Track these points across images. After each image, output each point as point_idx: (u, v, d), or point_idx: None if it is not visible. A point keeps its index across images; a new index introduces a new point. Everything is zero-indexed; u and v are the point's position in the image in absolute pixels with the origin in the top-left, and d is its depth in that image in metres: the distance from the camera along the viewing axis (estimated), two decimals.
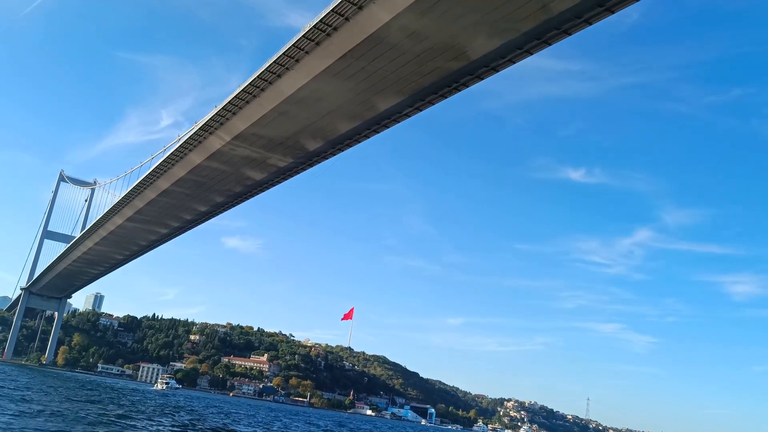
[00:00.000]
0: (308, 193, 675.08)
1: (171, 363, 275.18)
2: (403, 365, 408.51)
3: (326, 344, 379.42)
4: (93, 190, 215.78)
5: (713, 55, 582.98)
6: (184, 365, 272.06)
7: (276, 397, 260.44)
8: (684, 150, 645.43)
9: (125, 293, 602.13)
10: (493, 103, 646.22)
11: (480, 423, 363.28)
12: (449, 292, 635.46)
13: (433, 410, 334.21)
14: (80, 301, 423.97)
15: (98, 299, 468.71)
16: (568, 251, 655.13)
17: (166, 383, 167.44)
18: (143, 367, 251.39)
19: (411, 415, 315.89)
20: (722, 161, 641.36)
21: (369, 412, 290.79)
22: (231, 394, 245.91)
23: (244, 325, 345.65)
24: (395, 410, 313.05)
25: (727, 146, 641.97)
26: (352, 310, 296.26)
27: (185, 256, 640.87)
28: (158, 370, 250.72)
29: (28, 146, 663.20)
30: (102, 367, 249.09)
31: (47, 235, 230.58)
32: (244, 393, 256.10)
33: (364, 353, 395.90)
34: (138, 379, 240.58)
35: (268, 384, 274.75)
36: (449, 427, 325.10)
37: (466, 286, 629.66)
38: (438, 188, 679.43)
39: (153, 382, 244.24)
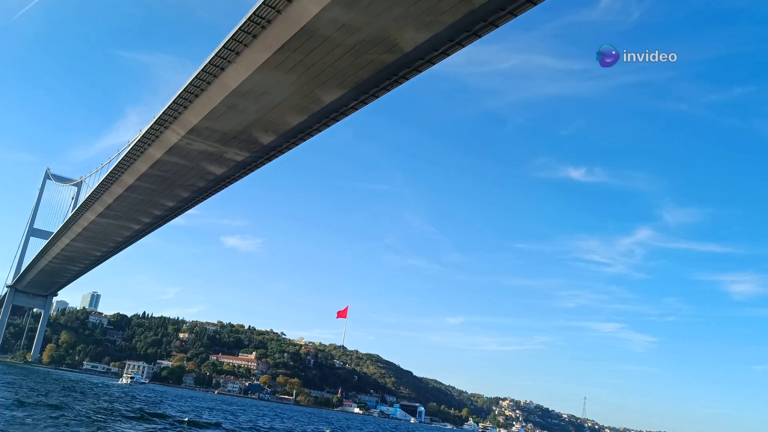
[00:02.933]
0: (308, 193, 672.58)
1: (158, 361, 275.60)
2: (396, 364, 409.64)
3: (319, 343, 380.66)
4: (79, 188, 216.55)
5: (714, 53, 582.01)
6: (171, 363, 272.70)
7: (261, 395, 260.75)
8: (685, 149, 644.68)
9: (125, 293, 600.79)
10: (495, 102, 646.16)
11: (471, 421, 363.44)
12: (449, 291, 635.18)
13: (422, 408, 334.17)
14: (77, 299, 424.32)
15: (94, 298, 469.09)
16: (569, 250, 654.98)
17: (131, 378, 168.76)
18: (129, 364, 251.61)
19: (400, 413, 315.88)
20: (723, 160, 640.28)
21: (356, 410, 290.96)
22: (216, 392, 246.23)
23: (236, 323, 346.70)
24: (384, 408, 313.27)
25: (728, 145, 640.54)
26: (346, 308, 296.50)
27: (185, 255, 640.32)
28: (144, 367, 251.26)
29: (26, 146, 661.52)
30: (87, 365, 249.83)
31: (33, 232, 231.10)
32: (229, 391, 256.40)
33: (357, 352, 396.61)
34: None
35: (255, 382, 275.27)
36: (438, 425, 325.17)
37: (466, 285, 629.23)
38: (438, 187, 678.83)
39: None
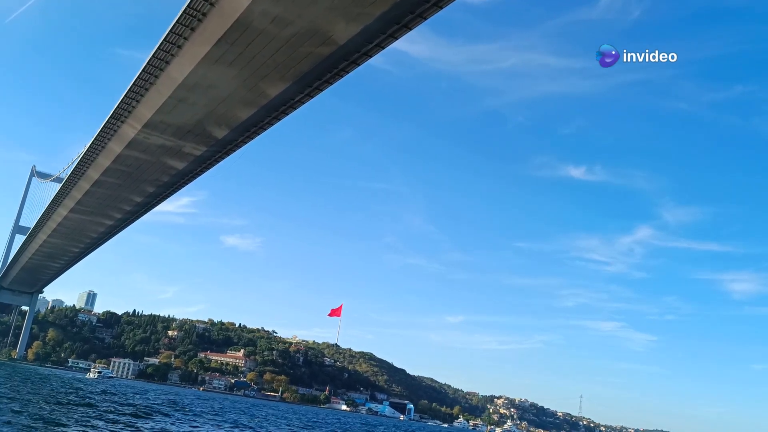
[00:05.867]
0: (307, 192, 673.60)
1: (146, 358, 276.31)
2: (390, 362, 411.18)
3: (313, 341, 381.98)
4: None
5: (714, 52, 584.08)
6: (158, 360, 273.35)
7: (246, 392, 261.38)
8: (685, 148, 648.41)
9: (124, 292, 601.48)
10: (495, 101, 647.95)
11: (461, 419, 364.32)
12: (449, 290, 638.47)
13: (411, 406, 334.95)
14: (73, 298, 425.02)
15: (91, 297, 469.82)
16: (569, 249, 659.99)
17: (99, 372, 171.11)
18: (114, 362, 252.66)
19: (388, 410, 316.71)
20: (723, 159, 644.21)
21: (344, 407, 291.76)
22: (201, 389, 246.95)
23: (227, 321, 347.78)
24: (372, 405, 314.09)
25: (728, 144, 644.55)
26: (340, 306, 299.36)
27: (185, 254, 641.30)
28: (130, 365, 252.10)
29: (25, 145, 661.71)
30: (72, 362, 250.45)
31: (19, 230, 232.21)
32: (214, 387, 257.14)
33: (350, 350, 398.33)
34: None
35: (242, 379, 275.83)
36: (428, 423, 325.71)
37: (466, 284, 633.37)
38: (438, 186, 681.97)
39: (125, 376, 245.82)
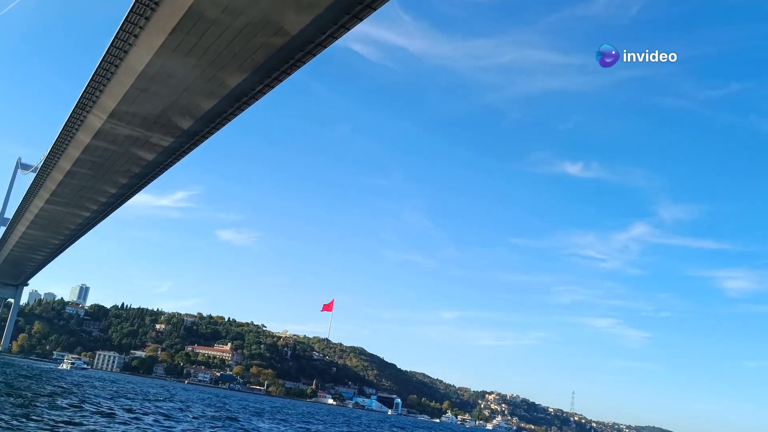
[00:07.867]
0: (306, 189, 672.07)
1: (132, 351, 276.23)
2: (381, 357, 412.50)
3: (304, 335, 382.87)
4: None
5: (712, 49, 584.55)
6: (144, 353, 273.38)
7: (231, 385, 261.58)
8: (681, 145, 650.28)
9: (119, 286, 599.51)
10: (493, 97, 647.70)
11: (449, 414, 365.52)
12: (445, 286, 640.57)
13: (399, 400, 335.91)
14: (65, 291, 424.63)
15: (83, 290, 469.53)
16: (564, 246, 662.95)
17: (72, 363, 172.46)
18: (99, 354, 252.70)
19: (376, 404, 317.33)
20: (720, 157, 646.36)
21: (331, 401, 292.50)
22: (186, 382, 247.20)
23: (216, 315, 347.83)
24: (359, 400, 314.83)
25: (725, 142, 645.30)
26: (332, 301, 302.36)
27: (180, 248, 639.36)
28: (115, 357, 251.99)
29: (21, 138, 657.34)
30: (57, 355, 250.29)
31: (3, 222, 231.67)
32: (200, 381, 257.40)
33: (340, 344, 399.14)
34: (93, 367, 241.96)
35: (228, 372, 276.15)
36: (416, 417, 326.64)
37: (461, 280, 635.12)
38: (435, 182, 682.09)
39: (110, 369, 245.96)
